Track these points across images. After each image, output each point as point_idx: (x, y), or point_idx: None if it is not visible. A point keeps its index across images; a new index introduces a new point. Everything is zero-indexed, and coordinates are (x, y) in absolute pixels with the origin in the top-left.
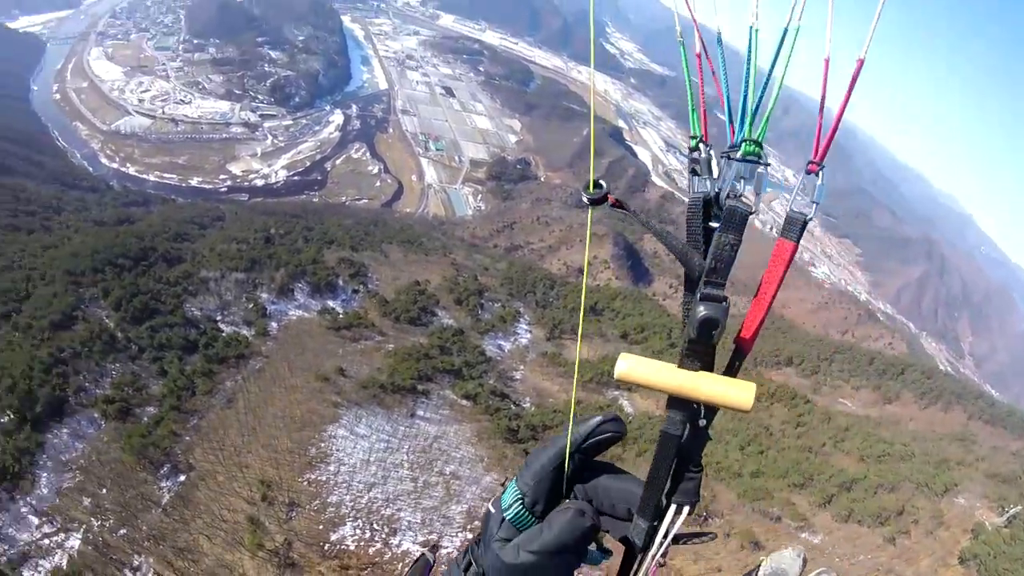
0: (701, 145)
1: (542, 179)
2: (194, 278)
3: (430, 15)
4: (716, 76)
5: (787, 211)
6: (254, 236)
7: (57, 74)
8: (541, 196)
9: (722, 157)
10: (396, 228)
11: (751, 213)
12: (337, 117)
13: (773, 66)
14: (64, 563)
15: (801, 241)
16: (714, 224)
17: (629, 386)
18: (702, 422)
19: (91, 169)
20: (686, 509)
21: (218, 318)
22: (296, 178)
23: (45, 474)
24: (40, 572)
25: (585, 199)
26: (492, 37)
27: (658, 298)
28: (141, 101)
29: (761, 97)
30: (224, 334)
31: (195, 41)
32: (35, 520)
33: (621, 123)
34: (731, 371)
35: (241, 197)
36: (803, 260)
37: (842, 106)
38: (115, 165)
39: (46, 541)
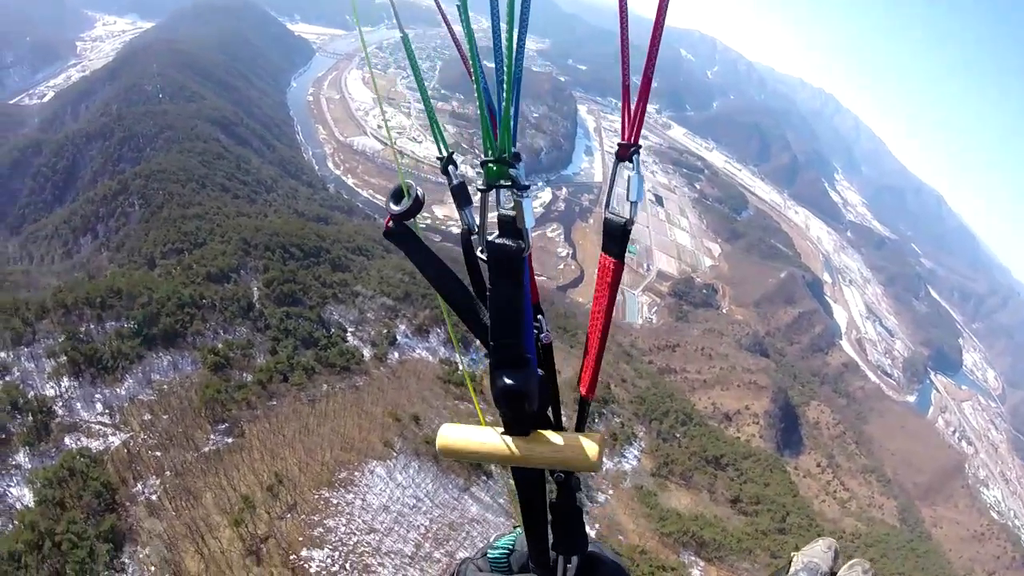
0: (450, 167)
1: (724, 311)
2: (348, 288)
3: (663, 123)
4: (470, 72)
5: (604, 216)
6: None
7: (316, 80)
8: (716, 327)
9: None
10: (560, 312)
11: (521, 253)
12: (545, 195)
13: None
14: (96, 449)
15: (969, 438)
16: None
17: (698, 544)
18: (559, 476)
19: (316, 167)
20: (574, 560)
21: (350, 330)
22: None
23: (131, 380)
24: (76, 445)
25: (392, 208)
26: (717, 158)
27: (798, 474)
28: (379, 127)
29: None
30: (346, 344)
31: (442, 91)
32: (100, 408)
33: (826, 276)
34: (581, 424)
35: (434, 236)
36: (977, 478)
37: (648, 62)
38: (338, 172)
39: (96, 427)
